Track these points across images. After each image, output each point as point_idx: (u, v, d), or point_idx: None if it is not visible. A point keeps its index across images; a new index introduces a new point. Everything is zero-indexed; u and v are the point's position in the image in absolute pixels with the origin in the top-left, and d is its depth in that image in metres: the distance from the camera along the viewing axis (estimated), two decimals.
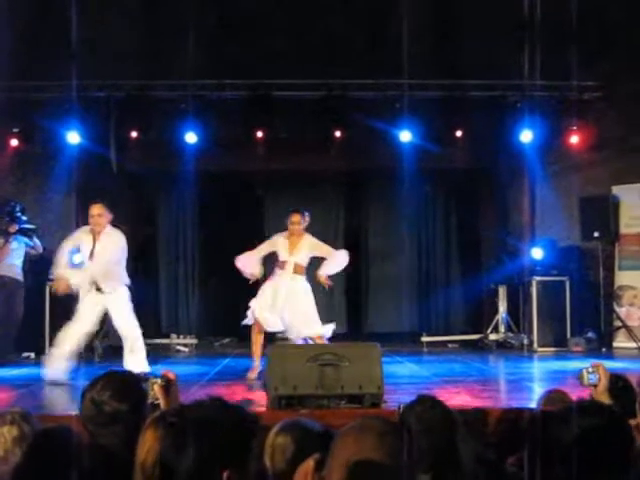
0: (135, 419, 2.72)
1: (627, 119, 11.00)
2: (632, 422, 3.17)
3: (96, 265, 7.61)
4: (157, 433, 2.21)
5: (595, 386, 3.48)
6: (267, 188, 12.82)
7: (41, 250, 10.08)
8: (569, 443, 2.47)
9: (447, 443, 2.82)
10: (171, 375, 3.45)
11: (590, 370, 3.51)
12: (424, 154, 10.93)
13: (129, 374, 3.02)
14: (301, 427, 2.85)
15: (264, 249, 8.38)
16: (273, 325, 7.97)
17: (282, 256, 8.13)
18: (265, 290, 8.11)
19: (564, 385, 3.52)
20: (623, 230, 11.05)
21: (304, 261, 8.17)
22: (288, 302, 7.99)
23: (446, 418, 2.92)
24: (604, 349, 10.43)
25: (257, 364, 7.71)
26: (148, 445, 2.19)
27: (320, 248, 8.29)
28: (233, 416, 2.28)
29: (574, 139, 10.93)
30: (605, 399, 3.36)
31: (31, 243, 9.99)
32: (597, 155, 11.06)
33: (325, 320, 12.66)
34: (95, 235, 7.76)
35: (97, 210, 7.72)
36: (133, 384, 2.95)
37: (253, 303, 8.04)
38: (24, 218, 9.93)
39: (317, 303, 12.69)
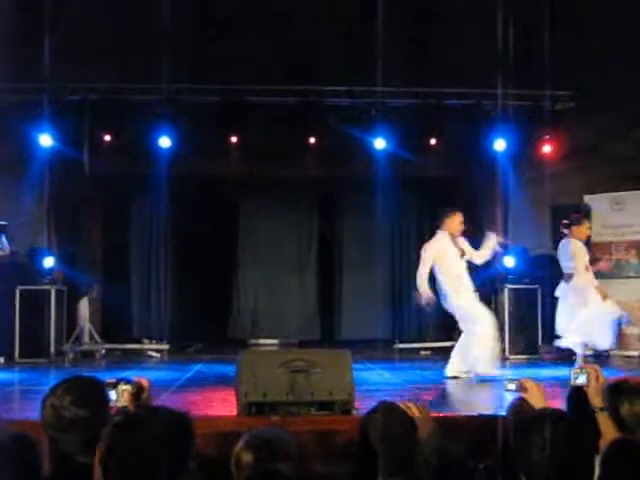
0: (96, 425, 2.69)
1: (599, 129, 11.11)
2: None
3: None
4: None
5: (585, 387, 3.49)
6: (241, 194, 12.81)
7: (8, 251, 9.92)
8: (533, 451, 2.48)
9: (407, 448, 2.83)
10: (144, 382, 3.42)
11: (578, 371, 3.53)
12: (399, 162, 10.97)
13: (92, 380, 2.98)
14: (264, 443, 2.84)
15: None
16: None
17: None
18: None
19: None
20: (595, 239, 11.12)
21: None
22: None
23: (404, 424, 2.93)
24: (575, 357, 10.49)
25: None
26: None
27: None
28: (164, 421, 2.30)
29: (547, 148, 11.04)
30: (597, 402, 3.38)
31: None
32: (569, 164, 11.15)
33: (299, 326, 12.77)
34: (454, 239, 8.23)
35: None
36: (95, 390, 2.91)
37: None
38: None
39: (290, 310, 12.82)
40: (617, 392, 3.30)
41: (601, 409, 3.33)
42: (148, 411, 2.38)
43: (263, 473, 2.16)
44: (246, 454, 2.79)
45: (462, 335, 8.29)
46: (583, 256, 8.51)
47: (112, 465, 2.17)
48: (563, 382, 3.67)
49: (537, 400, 3.45)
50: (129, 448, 2.19)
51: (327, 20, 11.16)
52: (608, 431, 3.15)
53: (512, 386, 3.59)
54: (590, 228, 8.43)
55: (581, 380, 3.51)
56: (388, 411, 3.00)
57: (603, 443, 2.95)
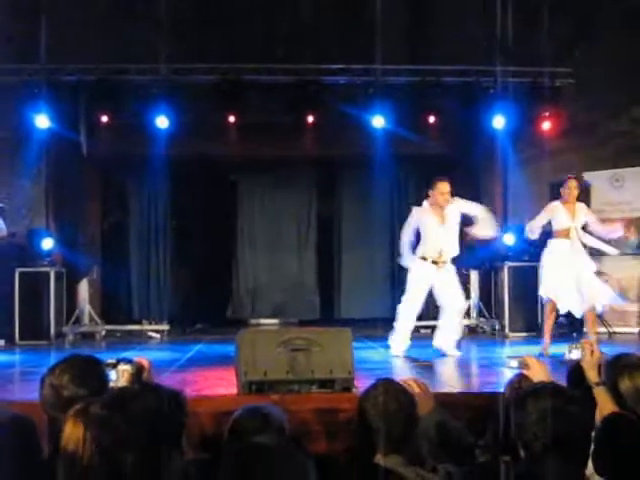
0: None
1: (598, 106, 11.07)
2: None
3: (447, 238, 8.08)
4: (79, 425, 2.21)
5: (579, 361, 3.48)
6: (240, 173, 12.79)
7: (5, 233, 9.88)
8: (530, 424, 2.49)
9: (405, 425, 2.83)
10: (145, 362, 3.40)
11: (574, 346, 3.52)
12: (397, 140, 10.93)
13: (90, 358, 2.98)
14: (257, 416, 2.86)
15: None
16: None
17: None
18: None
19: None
20: None
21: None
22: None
23: (403, 401, 2.93)
24: (575, 334, 10.51)
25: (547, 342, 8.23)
26: (67, 435, 2.19)
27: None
28: (159, 398, 2.30)
29: (546, 125, 11.00)
30: (592, 376, 3.36)
31: None
32: (568, 141, 11.13)
33: (298, 306, 12.77)
34: (438, 210, 8.11)
35: (447, 187, 8.08)
36: (93, 368, 2.91)
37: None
38: None
39: (290, 290, 12.81)
40: (617, 367, 3.29)
41: (597, 384, 3.31)
42: (142, 387, 2.38)
43: (255, 445, 2.17)
44: (239, 426, 2.80)
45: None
46: (546, 212, 8.51)
47: (104, 438, 2.17)
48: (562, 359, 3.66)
49: (540, 377, 3.44)
50: (120, 422, 2.19)
51: None
52: (604, 406, 3.14)
53: (515, 363, 3.58)
54: (576, 188, 8.38)
55: (575, 354, 3.50)
56: (386, 388, 3.00)
57: (599, 418, 2.95)
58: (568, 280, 8.11)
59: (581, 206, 8.45)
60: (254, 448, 2.14)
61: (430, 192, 8.23)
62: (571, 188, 8.30)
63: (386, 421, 2.84)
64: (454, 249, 8.24)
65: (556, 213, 8.33)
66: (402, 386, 3.07)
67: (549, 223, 8.45)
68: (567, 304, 8.21)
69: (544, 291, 8.36)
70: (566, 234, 8.27)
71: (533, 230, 8.50)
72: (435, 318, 12.13)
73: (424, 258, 8.18)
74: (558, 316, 10.73)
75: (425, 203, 8.31)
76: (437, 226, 8.14)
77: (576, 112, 11.00)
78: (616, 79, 10.88)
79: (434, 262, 8.16)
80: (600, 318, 9.55)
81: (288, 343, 5.15)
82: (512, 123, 10.90)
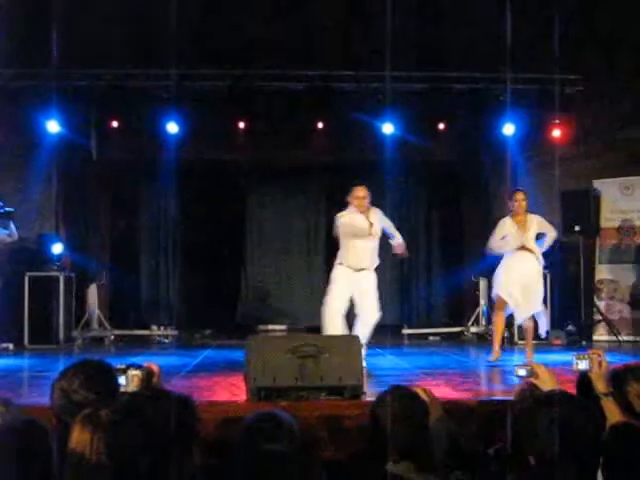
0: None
1: (608, 113, 11.05)
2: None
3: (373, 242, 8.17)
4: (87, 429, 2.22)
5: (587, 372, 3.46)
6: (249, 178, 12.78)
7: (16, 237, 9.88)
8: (541, 433, 2.48)
9: (417, 432, 2.83)
10: (154, 367, 3.41)
11: (581, 356, 3.48)
12: (406, 146, 10.94)
13: (101, 363, 2.98)
14: (269, 422, 2.86)
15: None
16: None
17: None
18: None
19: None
20: (603, 224, 11.10)
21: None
22: None
23: (416, 408, 2.93)
24: (584, 342, 10.47)
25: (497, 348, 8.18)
26: (75, 440, 2.20)
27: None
28: (169, 403, 2.31)
29: (556, 133, 11.00)
30: (601, 387, 3.34)
31: (7, 231, 9.84)
32: (578, 149, 11.11)
33: (307, 312, 12.75)
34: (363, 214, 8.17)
35: (363, 192, 8.19)
36: (104, 373, 2.91)
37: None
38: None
39: (298, 296, 12.79)
40: (624, 375, 3.26)
41: (605, 394, 3.29)
42: (153, 393, 2.39)
43: (267, 451, 2.17)
44: (251, 432, 2.79)
45: None
46: (498, 230, 8.34)
47: (114, 443, 2.17)
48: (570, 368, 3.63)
49: (549, 385, 3.42)
50: (131, 427, 2.19)
51: (334, 4, 11.10)
52: (613, 416, 3.12)
53: (523, 372, 3.56)
54: (524, 200, 8.32)
55: (583, 365, 3.47)
56: (399, 394, 3.00)
57: (607, 429, 2.93)
58: (519, 284, 8.07)
59: (532, 217, 8.30)
60: (266, 454, 2.14)
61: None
62: (519, 201, 8.21)
63: (398, 427, 2.84)
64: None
65: (506, 229, 8.26)
66: (415, 393, 3.07)
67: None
68: (516, 305, 8.15)
69: (498, 290, 8.21)
70: (519, 248, 8.20)
71: (493, 248, 8.41)
72: (442, 325, 12.19)
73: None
74: (564, 324, 10.72)
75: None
76: None
77: (586, 119, 10.99)
78: (627, 86, 10.87)
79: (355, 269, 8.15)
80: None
81: (297, 349, 5.15)
82: (522, 130, 10.90)
